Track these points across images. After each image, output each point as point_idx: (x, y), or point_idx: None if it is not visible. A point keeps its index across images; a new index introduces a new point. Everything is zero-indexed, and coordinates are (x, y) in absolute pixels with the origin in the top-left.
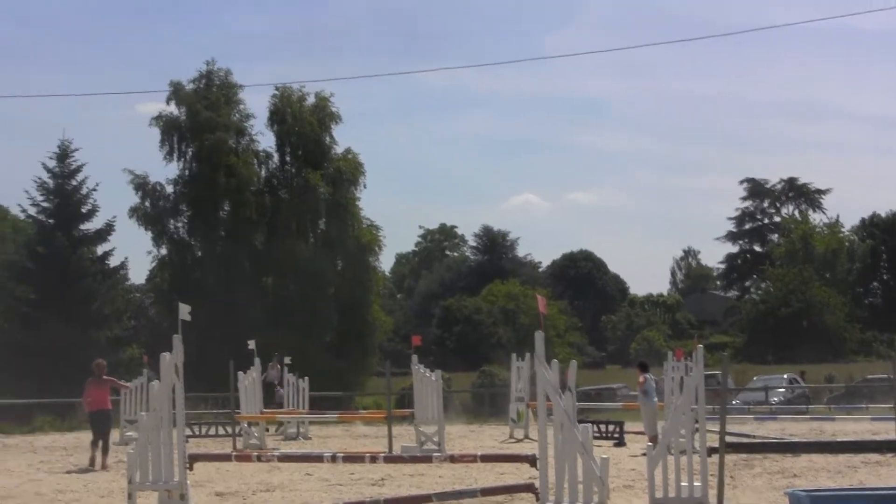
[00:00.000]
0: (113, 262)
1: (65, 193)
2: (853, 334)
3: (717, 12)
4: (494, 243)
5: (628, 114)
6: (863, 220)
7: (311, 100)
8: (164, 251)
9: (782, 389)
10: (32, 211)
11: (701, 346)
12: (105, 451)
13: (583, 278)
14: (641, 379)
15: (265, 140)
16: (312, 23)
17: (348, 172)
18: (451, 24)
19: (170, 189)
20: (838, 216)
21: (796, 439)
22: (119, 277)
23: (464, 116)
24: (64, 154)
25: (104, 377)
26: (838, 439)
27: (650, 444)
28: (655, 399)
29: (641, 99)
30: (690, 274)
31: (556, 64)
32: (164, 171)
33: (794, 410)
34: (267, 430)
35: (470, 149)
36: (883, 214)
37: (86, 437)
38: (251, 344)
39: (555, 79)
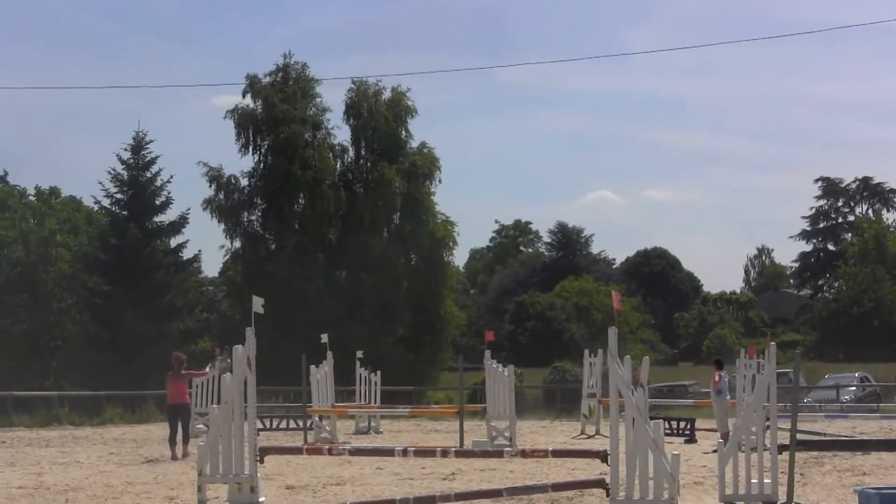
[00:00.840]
0: (186, 254)
1: (139, 185)
2: None
3: (796, 10)
4: (569, 240)
5: (705, 111)
6: None
7: (387, 94)
8: (237, 244)
9: (853, 388)
10: (106, 202)
11: (773, 343)
12: (185, 440)
13: (656, 275)
14: (717, 377)
15: (341, 134)
16: (390, 16)
17: (423, 167)
18: (529, 19)
19: (244, 182)
20: None
21: (866, 437)
22: (192, 270)
23: (541, 112)
24: (139, 146)
25: (183, 371)
26: None
27: (721, 440)
28: (728, 396)
29: (718, 97)
30: (764, 272)
31: (634, 61)
32: (239, 164)
33: (865, 409)
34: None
35: (546, 145)
36: None
37: (156, 429)
38: (324, 338)
39: (632, 75)
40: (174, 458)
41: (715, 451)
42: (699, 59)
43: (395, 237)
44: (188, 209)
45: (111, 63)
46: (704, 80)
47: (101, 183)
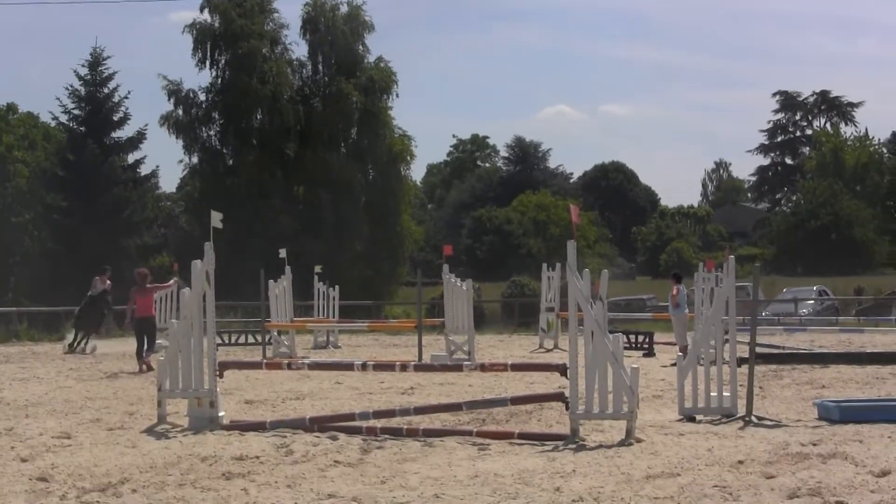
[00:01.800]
0: (144, 170)
1: (96, 101)
2: (882, 247)
3: None
4: (526, 154)
5: (664, 27)
6: (894, 134)
7: (344, 9)
8: (195, 159)
9: (811, 301)
10: (64, 118)
11: (732, 257)
12: (151, 350)
13: (614, 190)
14: (675, 290)
15: (298, 49)
16: None
17: (381, 82)
18: None
19: (202, 97)
20: (867, 129)
21: (825, 350)
22: (150, 185)
23: (499, 28)
24: (96, 62)
25: (147, 285)
26: (867, 350)
27: (680, 354)
28: (686, 310)
29: (677, 12)
30: (721, 186)
31: None
32: (197, 80)
33: (823, 322)
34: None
35: (504, 60)
36: None
37: (115, 344)
38: (282, 252)
39: None
40: (141, 370)
41: (674, 365)
42: None
43: (353, 152)
44: (146, 125)
45: None
46: None
47: (58, 99)
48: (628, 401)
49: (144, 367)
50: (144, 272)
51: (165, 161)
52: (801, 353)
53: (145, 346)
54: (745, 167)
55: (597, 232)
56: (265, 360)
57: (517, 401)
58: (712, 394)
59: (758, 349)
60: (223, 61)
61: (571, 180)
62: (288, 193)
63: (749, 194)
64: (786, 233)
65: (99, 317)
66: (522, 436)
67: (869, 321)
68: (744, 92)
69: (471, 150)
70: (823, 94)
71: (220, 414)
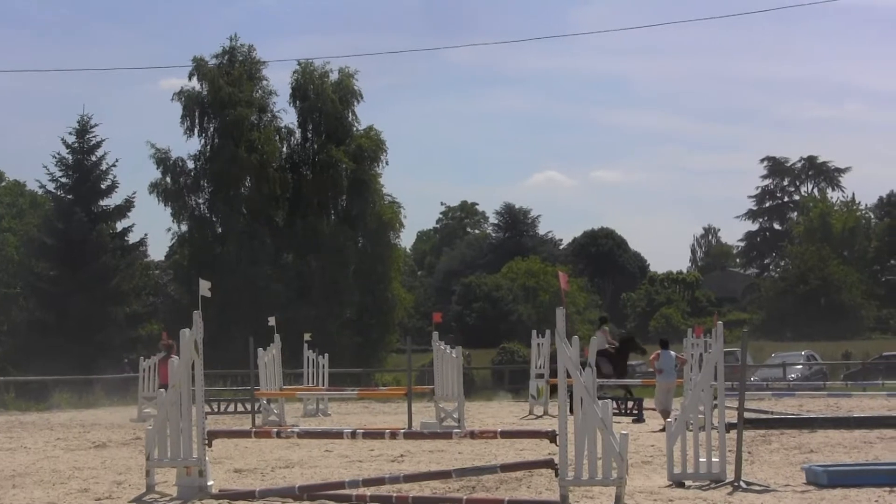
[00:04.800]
0: (132, 238)
1: (84, 169)
2: (870, 311)
3: None
4: (516, 220)
5: (652, 92)
6: (881, 199)
7: (334, 76)
8: (184, 227)
9: (800, 366)
10: (51, 186)
11: (720, 322)
12: None
13: (603, 256)
14: (653, 356)
15: (287, 117)
16: None
17: (370, 149)
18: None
19: (191, 165)
20: (854, 194)
21: (813, 415)
22: (138, 254)
23: (487, 93)
24: (84, 129)
25: (173, 355)
26: (854, 415)
27: (669, 420)
28: (673, 376)
29: (665, 77)
30: (710, 252)
31: (581, 41)
32: (186, 147)
33: (812, 387)
34: None
35: (493, 126)
36: None
37: (104, 414)
38: (271, 320)
39: (579, 56)
40: None
41: (663, 431)
42: (646, 40)
43: (343, 219)
44: (134, 193)
45: (56, 46)
46: (651, 60)
47: (45, 167)
48: (617, 467)
49: None
50: (171, 342)
51: (154, 229)
52: (790, 417)
53: None
54: (733, 232)
55: (586, 298)
56: (254, 429)
57: (507, 468)
58: (701, 459)
59: (746, 414)
60: (212, 129)
61: (561, 246)
62: (277, 261)
63: (738, 259)
64: (774, 298)
65: None
66: (512, 503)
67: (857, 385)
68: (731, 156)
69: (460, 217)
70: (811, 160)
71: (209, 483)
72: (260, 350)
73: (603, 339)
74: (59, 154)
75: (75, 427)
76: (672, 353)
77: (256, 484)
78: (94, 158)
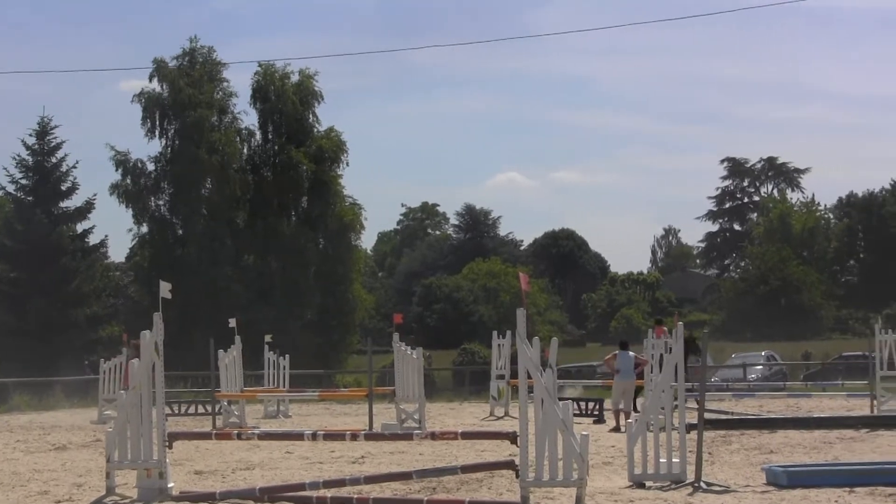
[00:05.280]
0: (93, 239)
1: (44, 170)
2: (829, 312)
3: None
4: (477, 222)
5: (612, 92)
6: (840, 200)
7: (294, 78)
8: (144, 229)
9: (760, 366)
10: (11, 188)
11: (681, 323)
12: None
13: (564, 257)
14: (609, 356)
15: (248, 118)
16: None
17: (331, 150)
18: (435, 1)
19: (151, 166)
20: (813, 195)
21: (773, 416)
22: (99, 255)
23: (448, 95)
24: (44, 131)
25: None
26: (814, 415)
27: (630, 421)
28: (632, 377)
29: (627, 78)
30: (671, 252)
31: (543, 42)
32: (146, 149)
33: (772, 387)
34: None
35: (454, 127)
36: (859, 194)
37: (64, 416)
38: (232, 322)
39: (539, 57)
40: None
41: (615, 430)
42: (606, 40)
43: (303, 221)
44: (95, 194)
45: (16, 47)
46: (613, 61)
47: (5, 168)
48: (578, 468)
49: None
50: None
51: (115, 231)
52: (750, 418)
53: None
54: (693, 233)
55: (547, 299)
56: (215, 431)
57: (467, 469)
58: (662, 460)
59: (707, 415)
60: (172, 130)
61: (522, 247)
62: (238, 262)
63: (698, 260)
64: (734, 298)
65: None
66: None
67: (816, 386)
68: (692, 157)
69: (421, 218)
70: (771, 161)
71: (170, 485)
72: (221, 351)
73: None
74: (18, 156)
75: (35, 429)
76: (631, 353)
77: (217, 486)
78: (54, 160)
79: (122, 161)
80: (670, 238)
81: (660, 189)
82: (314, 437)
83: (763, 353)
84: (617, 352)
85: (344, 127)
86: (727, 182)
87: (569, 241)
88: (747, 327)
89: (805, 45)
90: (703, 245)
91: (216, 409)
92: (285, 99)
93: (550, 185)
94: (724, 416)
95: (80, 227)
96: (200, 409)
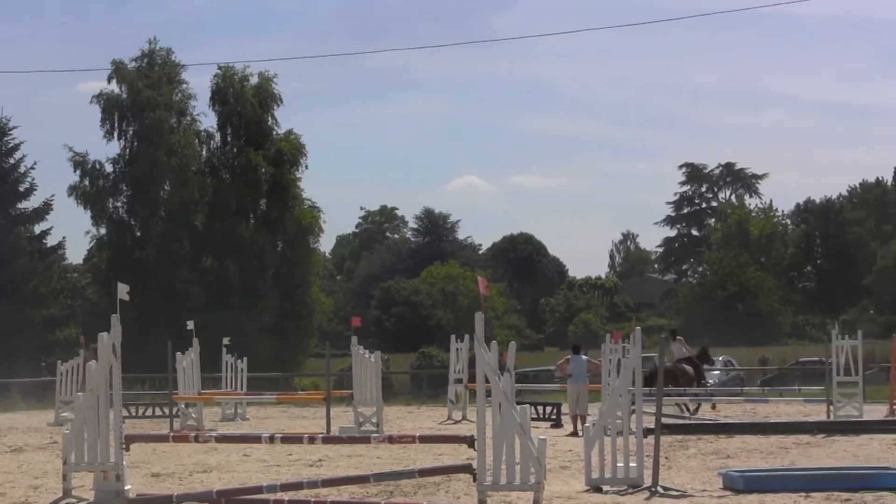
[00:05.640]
0: (51, 241)
1: (1, 172)
2: (787, 317)
3: None
4: (435, 225)
5: (571, 97)
6: (797, 206)
7: (254, 80)
8: (102, 231)
9: (717, 372)
10: None
11: (638, 328)
12: None
13: (522, 261)
14: (562, 360)
15: (207, 120)
16: (256, 1)
17: (290, 153)
18: (395, 4)
19: (109, 168)
20: (771, 201)
21: (730, 421)
22: (56, 257)
23: (407, 98)
24: (1, 132)
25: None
26: (771, 421)
27: (587, 425)
28: (584, 381)
29: (584, 82)
30: (629, 257)
31: (500, 46)
32: (105, 150)
33: (729, 392)
34: None
35: (413, 131)
36: (817, 200)
37: (21, 418)
38: (190, 324)
39: (499, 61)
40: None
41: (573, 435)
42: (565, 45)
43: (262, 223)
44: (53, 196)
45: None
46: (571, 65)
47: None
48: (535, 472)
49: None
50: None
51: (72, 232)
52: (707, 423)
53: None
54: (651, 238)
55: (505, 303)
56: (172, 433)
57: (425, 472)
58: (619, 464)
59: (664, 420)
60: (131, 132)
61: (480, 251)
62: (196, 264)
63: (656, 265)
64: (692, 303)
65: None
66: None
67: (773, 391)
68: (650, 162)
69: (380, 222)
70: (729, 166)
71: (127, 487)
72: (178, 354)
73: (681, 347)
74: None
75: None
76: (584, 357)
77: (174, 488)
78: (11, 161)
79: (80, 162)
80: (628, 243)
81: (618, 194)
82: (272, 440)
83: (720, 359)
84: (570, 356)
85: (303, 130)
86: (685, 187)
87: (527, 245)
88: (704, 332)
89: (762, 51)
90: (661, 250)
91: (174, 412)
92: (244, 101)
93: (509, 189)
94: (681, 421)
95: (37, 229)
96: (158, 412)
